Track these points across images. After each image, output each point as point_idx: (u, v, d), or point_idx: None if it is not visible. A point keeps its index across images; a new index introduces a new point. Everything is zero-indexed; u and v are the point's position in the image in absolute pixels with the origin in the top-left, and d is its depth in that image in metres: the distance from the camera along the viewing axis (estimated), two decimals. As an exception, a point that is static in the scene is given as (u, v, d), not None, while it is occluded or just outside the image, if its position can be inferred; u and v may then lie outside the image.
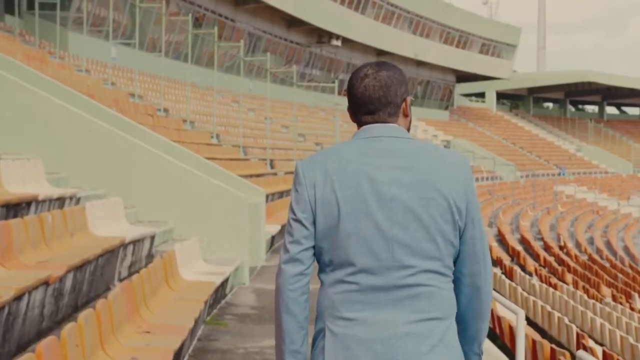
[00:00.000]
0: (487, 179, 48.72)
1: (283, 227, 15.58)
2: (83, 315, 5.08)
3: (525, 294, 16.50)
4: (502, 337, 12.05)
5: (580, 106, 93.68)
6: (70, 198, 9.23)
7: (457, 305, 2.65)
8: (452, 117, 66.19)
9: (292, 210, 2.62)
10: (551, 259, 27.46)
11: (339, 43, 46.50)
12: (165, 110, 22.29)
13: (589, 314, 14.95)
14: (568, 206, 46.46)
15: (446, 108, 66.04)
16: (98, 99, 14.47)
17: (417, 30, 55.70)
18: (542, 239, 33.13)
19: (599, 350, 10.96)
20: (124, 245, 8.42)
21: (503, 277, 18.63)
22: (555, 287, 19.17)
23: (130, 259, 8.84)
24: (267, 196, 15.96)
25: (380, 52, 52.06)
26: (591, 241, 36.61)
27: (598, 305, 16.79)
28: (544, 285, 18.56)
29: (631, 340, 12.66)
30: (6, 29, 21.91)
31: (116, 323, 5.86)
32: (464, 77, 66.06)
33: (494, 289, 15.16)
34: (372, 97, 2.65)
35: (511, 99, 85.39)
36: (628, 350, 12.46)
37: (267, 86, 27.49)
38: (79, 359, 4.80)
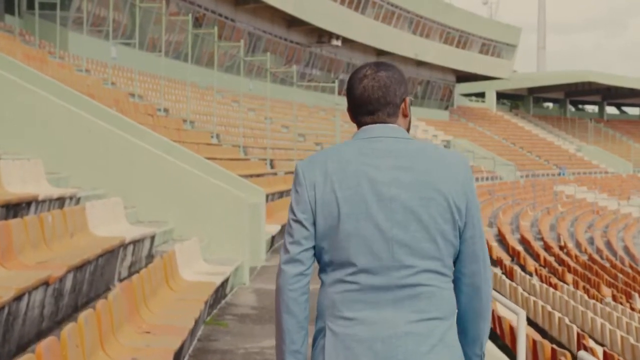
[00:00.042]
0: (487, 179, 48.72)
1: (283, 227, 15.58)
2: (83, 315, 5.07)
3: (525, 294, 16.49)
4: (502, 338, 12.05)
5: (580, 106, 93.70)
6: (70, 198, 9.23)
7: (457, 306, 2.65)
8: (452, 117, 66.19)
9: (292, 211, 2.62)
10: (551, 259, 27.45)
11: (339, 43, 46.50)
12: (165, 110, 22.29)
13: (590, 314, 14.95)
14: (568, 206, 46.46)
15: (446, 108, 66.04)
16: (98, 99, 14.46)
17: (417, 30, 55.70)
18: (542, 239, 33.13)
19: (599, 350, 10.96)
20: (124, 246, 8.41)
21: (503, 277, 18.62)
22: (555, 287, 19.17)
23: (130, 259, 8.84)
24: (267, 196, 15.96)
25: (380, 52, 52.06)
26: (591, 241, 36.62)
27: (598, 305, 16.79)
28: (544, 285, 18.56)
29: (632, 340, 12.65)
30: (6, 29, 21.91)
31: (116, 323, 5.85)
32: (464, 77, 66.07)
33: (495, 289, 15.17)
34: (371, 97, 2.65)
35: (511, 99, 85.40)
36: (629, 350, 12.46)
37: (267, 86, 27.49)
38: (79, 359, 4.79)
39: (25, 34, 23.01)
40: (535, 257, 27.69)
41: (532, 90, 79.80)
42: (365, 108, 2.66)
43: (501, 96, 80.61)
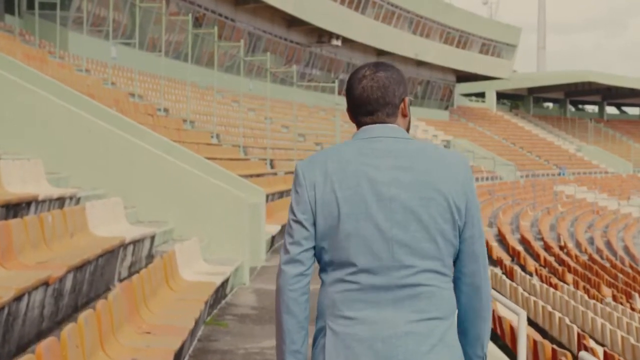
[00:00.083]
0: (487, 179, 48.72)
1: (283, 227, 15.58)
2: (83, 315, 5.07)
3: (525, 294, 16.49)
4: (503, 338, 12.04)
5: (580, 106, 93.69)
6: (70, 198, 9.22)
7: (457, 306, 2.65)
8: (452, 117, 66.19)
9: (292, 212, 2.62)
10: (551, 259, 27.45)
11: (339, 43, 46.50)
12: (165, 110, 22.29)
13: (590, 314, 14.94)
14: (568, 206, 46.46)
15: (446, 108, 66.04)
16: (98, 99, 14.46)
17: (417, 30, 55.70)
18: (542, 239, 33.12)
19: (600, 350, 10.95)
20: (124, 246, 8.41)
21: (503, 277, 18.61)
22: (555, 287, 19.16)
23: (130, 259, 8.83)
24: (267, 196, 15.95)
25: (380, 52, 52.07)
26: (591, 241, 36.61)
27: (599, 305, 16.79)
28: (545, 286, 18.55)
29: (632, 340, 12.65)
30: (6, 29, 21.91)
31: (116, 324, 5.85)
32: (464, 77, 66.07)
33: (495, 289, 15.17)
34: (370, 97, 2.65)
35: (511, 99, 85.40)
36: (629, 350, 12.46)
37: (267, 86, 27.49)
38: (79, 359, 4.79)
39: (25, 33, 23.00)
40: (536, 257, 27.68)
41: (532, 90, 79.80)
42: (364, 108, 2.67)
43: (501, 96, 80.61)
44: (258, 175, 19.56)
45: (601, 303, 17.88)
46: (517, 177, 51.27)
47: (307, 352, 2.64)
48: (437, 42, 58.25)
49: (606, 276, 25.48)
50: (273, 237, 15.53)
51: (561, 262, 26.69)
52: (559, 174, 60.88)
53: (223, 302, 10.43)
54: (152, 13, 29.64)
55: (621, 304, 19.23)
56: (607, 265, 29.29)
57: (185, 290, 8.51)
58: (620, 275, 26.50)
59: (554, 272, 24.29)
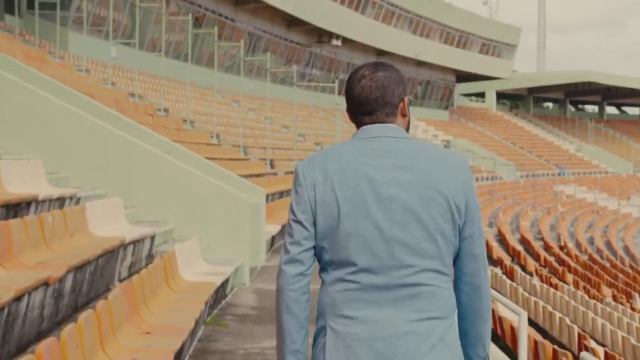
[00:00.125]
0: (487, 179, 48.72)
1: (283, 227, 15.57)
2: (83, 316, 5.06)
3: (526, 294, 16.48)
4: (503, 338, 12.03)
5: (580, 106, 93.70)
6: (70, 198, 9.22)
7: (457, 306, 2.65)
8: (452, 117, 66.19)
9: (292, 212, 2.62)
10: (551, 259, 27.45)
11: (339, 43, 46.50)
12: (165, 110, 22.29)
13: (590, 315, 14.94)
14: (568, 206, 46.46)
15: (446, 108, 66.04)
16: (98, 98, 14.45)
17: (417, 30, 55.70)
18: (542, 239, 33.12)
19: (600, 350, 10.94)
20: (124, 246, 8.41)
21: (504, 277, 18.60)
22: (556, 287, 19.16)
23: (130, 259, 8.83)
24: (267, 196, 15.95)
25: (380, 52, 52.07)
26: (591, 241, 36.61)
27: (599, 305, 16.78)
28: (545, 286, 18.55)
29: (632, 340, 12.65)
30: (6, 29, 21.91)
31: (116, 324, 5.84)
32: (464, 77, 66.08)
33: (495, 289, 15.16)
34: (370, 97, 2.66)
35: (511, 99, 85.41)
36: (630, 350, 12.45)
37: (267, 86, 27.48)
38: (78, 359, 4.78)
39: (25, 33, 23.00)
40: (536, 257, 27.68)
41: (532, 90, 79.81)
42: (363, 108, 2.67)
43: (501, 96, 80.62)
44: (258, 175, 19.56)
45: (601, 303, 17.88)
46: (517, 177, 51.28)
47: (307, 351, 2.64)
48: (437, 42, 58.25)
49: (606, 276, 25.48)
50: (273, 237, 15.53)
51: (561, 262, 26.69)
52: (559, 174, 60.88)
53: (223, 302, 10.42)
54: (152, 13, 29.64)
55: (621, 304, 19.22)
56: (607, 265, 29.29)
57: (185, 290, 8.51)
58: (621, 275, 26.50)
59: (554, 272, 24.28)
